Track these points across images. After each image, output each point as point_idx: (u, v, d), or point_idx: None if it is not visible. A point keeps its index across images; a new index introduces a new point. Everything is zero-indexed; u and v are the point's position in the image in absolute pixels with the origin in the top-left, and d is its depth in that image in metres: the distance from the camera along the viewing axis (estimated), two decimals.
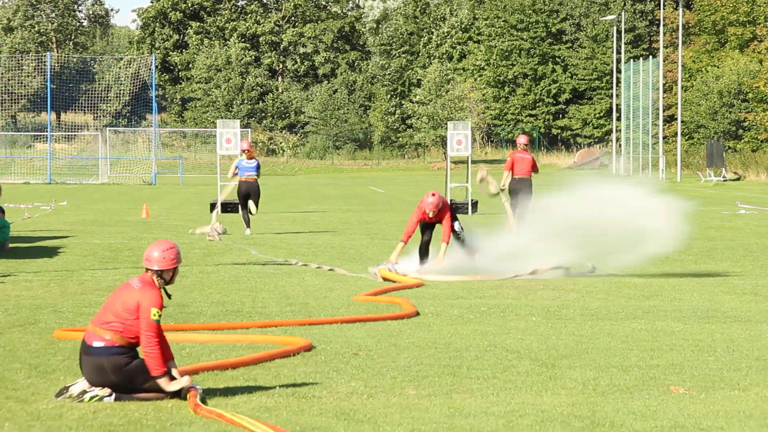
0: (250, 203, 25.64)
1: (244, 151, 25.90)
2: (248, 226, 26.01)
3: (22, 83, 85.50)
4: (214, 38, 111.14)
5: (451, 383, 9.64)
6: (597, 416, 8.45)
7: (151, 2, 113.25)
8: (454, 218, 18.11)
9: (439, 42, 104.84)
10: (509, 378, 9.89)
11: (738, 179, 70.30)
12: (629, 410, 8.67)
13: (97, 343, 8.79)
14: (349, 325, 12.77)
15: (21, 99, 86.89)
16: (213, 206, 34.02)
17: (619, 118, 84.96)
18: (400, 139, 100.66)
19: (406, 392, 9.27)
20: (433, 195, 18.00)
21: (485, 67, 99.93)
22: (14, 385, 9.43)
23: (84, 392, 8.84)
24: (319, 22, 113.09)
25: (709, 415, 8.57)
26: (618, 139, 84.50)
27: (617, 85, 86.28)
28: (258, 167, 25.99)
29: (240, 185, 25.61)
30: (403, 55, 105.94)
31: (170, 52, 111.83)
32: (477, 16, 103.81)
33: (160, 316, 8.79)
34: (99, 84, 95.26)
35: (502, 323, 13.13)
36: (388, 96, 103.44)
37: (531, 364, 10.56)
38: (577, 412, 8.56)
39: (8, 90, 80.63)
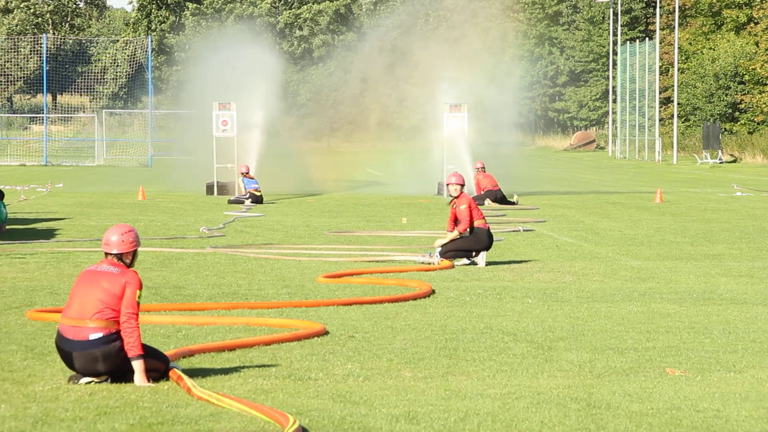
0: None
1: (244, 174, 31.65)
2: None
3: (18, 65, 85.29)
4: (210, 20, 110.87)
5: (447, 365, 9.65)
6: (593, 398, 8.46)
7: None
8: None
9: (435, 25, 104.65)
10: (505, 360, 9.90)
11: (734, 161, 70.29)
12: (625, 392, 8.69)
13: (94, 335, 8.73)
14: (345, 308, 12.77)
15: (17, 81, 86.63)
16: (210, 188, 34.20)
17: (615, 101, 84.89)
18: (397, 121, 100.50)
19: (402, 374, 9.28)
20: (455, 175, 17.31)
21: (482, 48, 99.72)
22: (11, 367, 9.43)
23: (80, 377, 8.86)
24: (315, 3, 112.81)
25: (705, 397, 8.58)
26: (614, 122, 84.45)
27: (613, 68, 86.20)
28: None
29: (253, 195, 30.94)
30: (401, 37, 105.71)
31: (167, 34, 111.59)
32: None
33: (140, 297, 8.84)
34: (95, 66, 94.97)
35: (498, 305, 13.14)
36: (385, 78, 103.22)
37: (527, 346, 10.57)
38: (574, 394, 8.58)
39: (4, 72, 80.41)
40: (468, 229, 16.82)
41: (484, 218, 17.06)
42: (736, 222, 25.59)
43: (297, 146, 52.34)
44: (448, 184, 17.23)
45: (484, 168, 32.01)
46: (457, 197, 16.95)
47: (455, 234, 16.80)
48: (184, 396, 8.40)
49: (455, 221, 16.99)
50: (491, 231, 17.18)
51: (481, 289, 14.40)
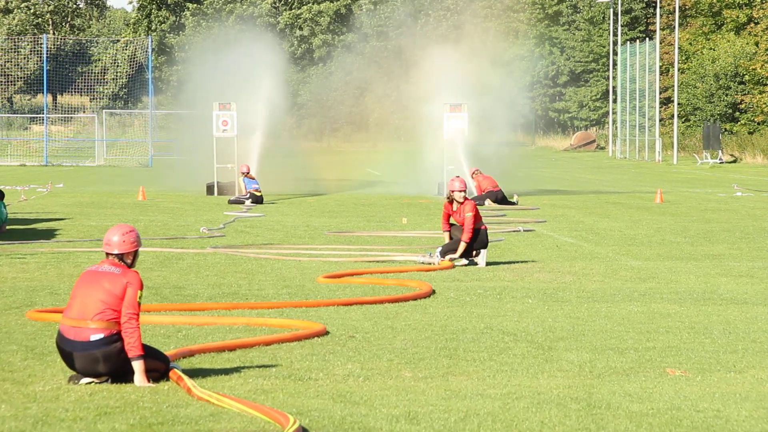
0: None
1: (245, 173, 31.57)
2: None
3: (18, 65, 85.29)
4: (210, 20, 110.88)
5: (447, 366, 9.65)
6: (593, 398, 8.46)
7: None
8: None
9: (435, 25, 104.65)
10: (505, 360, 9.90)
11: (734, 161, 70.28)
12: (625, 392, 8.69)
13: (95, 336, 8.72)
14: (345, 308, 12.77)
15: (17, 81, 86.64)
16: (210, 188, 34.20)
17: (615, 101, 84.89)
18: (397, 121, 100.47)
19: (402, 375, 9.28)
20: (457, 178, 17.22)
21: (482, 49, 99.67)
22: (11, 367, 9.43)
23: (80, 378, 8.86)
24: (315, 4, 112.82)
25: (705, 397, 8.59)
26: (614, 122, 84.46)
27: (614, 68, 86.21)
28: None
29: (253, 195, 30.89)
30: (401, 38, 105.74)
31: (167, 34, 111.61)
32: None
33: (141, 297, 8.83)
34: (95, 66, 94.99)
35: (498, 305, 13.14)
36: (385, 78, 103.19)
37: (527, 346, 10.58)
38: (574, 395, 8.58)
39: (4, 72, 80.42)
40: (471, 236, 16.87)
41: (481, 219, 17.09)
42: (736, 222, 25.59)
43: (297, 146, 52.28)
44: (453, 191, 17.02)
45: (479, 171, 32.04)
46: (461, 203, 16.93)
47: (463, 246, 16.73)
48: (185, 396, 8.40)
49: (448, 220, 17.05)
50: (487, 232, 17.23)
51: (482, 290, 14.39)
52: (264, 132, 36.49)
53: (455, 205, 16.95)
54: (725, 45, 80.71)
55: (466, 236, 16.66)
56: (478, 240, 16.80)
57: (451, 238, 17.02)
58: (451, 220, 17.12)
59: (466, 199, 16.96)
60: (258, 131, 36.20)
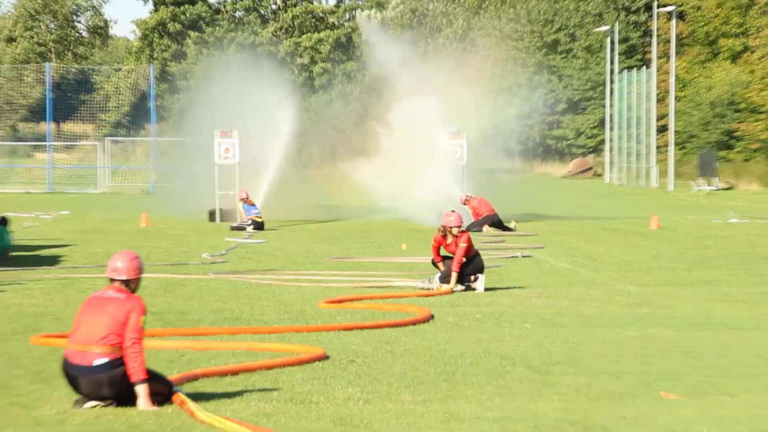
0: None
1: (243, 199, 31.65)
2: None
3: (22, 93, 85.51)
4: (212, 48, 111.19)
5: (446, 389, 9.78)
6: (590, 422, 8.59)
7: (151, 14, 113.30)
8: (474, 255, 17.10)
9: (435, 53, 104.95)
10: (503, 384, 10.03)
11: (730, 189, 70.39)
12: (621, 416, 8.81)
13: (98, 361, 8.87)
14: (345, 332, 12.91)
15: (21, 109, 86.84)
16: (212, 215, 34.36)
17: (612, 128, 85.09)
18: (397, 147, 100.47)
19: (402, 398, 9.40)
20: (453, 212, 17.31)
21: (481, 77, 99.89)
22: (17, 391, 9.56)
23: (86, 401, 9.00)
24: (315, 32, 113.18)
25: (699, 420, 8.71)
26: (611, 149, 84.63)
27: (611, 96, 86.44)
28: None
29: (254, 221, 31.07)
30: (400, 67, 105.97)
31: (169, 62, 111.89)
32: (472, 27, 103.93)
33: (144, 322, 8.99)
34: (98, 94, 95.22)
35: (496, 330, 13.26)
36: (384, 107, 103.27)
37: (525, 370, 10.70)
38: (570, 418, 8.70)
39: (8, 100, 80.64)
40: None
41: (473, 248, 17.23)
42: (732, 248, 25.71)
43: (298, 173, 52.35)
44: (450, 227, 17.06)
45: (470, 196, 31.90)
46: (456, 237, 17.09)
47: (455, 276, 16.92)
48: (188, 419, 8.53)
49: (439, 252, 17.21)
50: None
51: (480, 314, 14.52)
52: (272, 160, 36.72)
53: (449, 238, 17.08)
54: (721, 73, 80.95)
55: (455, 266, 16.87)
56: (473, 265, 16.97)
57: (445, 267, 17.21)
58: (443, 252, 17.27)
59: (462, 232, 17.16)
60: (267, 161, 36.42)
